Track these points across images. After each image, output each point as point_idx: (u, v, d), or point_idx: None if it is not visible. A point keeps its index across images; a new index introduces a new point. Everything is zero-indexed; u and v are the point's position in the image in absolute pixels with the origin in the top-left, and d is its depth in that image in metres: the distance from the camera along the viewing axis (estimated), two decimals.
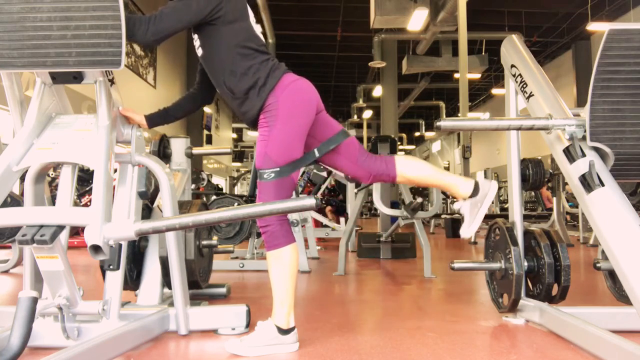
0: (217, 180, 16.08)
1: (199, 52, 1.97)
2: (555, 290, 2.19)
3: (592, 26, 11.52)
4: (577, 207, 7.02)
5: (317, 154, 1.96)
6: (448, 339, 1.99)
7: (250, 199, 4.57)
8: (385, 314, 2.56)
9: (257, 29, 1.99)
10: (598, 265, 2.28)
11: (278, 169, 1.83)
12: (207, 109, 15.68)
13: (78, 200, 6.37)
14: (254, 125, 1.95)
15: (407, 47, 14.27)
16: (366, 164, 2.02)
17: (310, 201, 1.43)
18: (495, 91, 18.01)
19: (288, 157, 1.84)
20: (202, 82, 2.13)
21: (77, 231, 5.41)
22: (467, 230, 2.02)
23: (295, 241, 1.89)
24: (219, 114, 18.51)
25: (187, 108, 2.17)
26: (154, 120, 2.06)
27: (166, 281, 2.27)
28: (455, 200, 2.08)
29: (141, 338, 1.85)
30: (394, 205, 5.35)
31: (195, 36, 1.95)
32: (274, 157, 1.83)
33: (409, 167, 2.03)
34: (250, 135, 23.90)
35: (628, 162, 1.83)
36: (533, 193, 10.14)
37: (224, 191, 11.42)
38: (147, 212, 2.38)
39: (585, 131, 1.85)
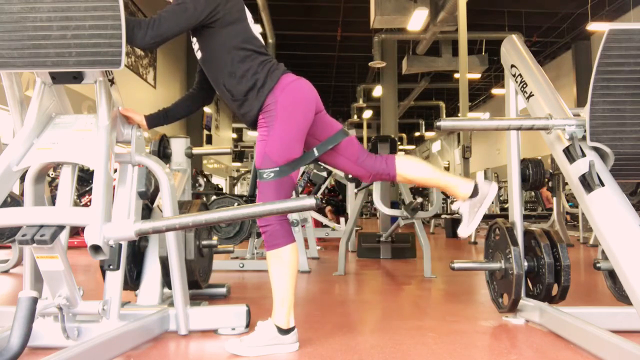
0: (217, 180, 16.08)
1: (198, 55, 1.97)
2: (555, 290, 2.19)
3: (592, 26, 11.52)
4: (577, 207, 7.01)
5: (316, 153, 1.97)
6: (448, 339, 1.99)
7: (250, 199, 4.57)
8: (385, 314, 2.55)
9: (256, 29, 1.99)
10: (598, 265, 2.28)
11: (277, 168, 1.83)
12: (207, 109, 15.67)
13: (78, 200, 6.37)
14: (253, 126, 1.96)
15: (407, 47, 14.27)
16: (366, 163, 2.03)
17: (310, 201, 1.43)
18: (495, 91, 18.01)
19: (287, 157, 1.84)
20: (202, 83, 2.14)
21: (77, 231, 5.41)
22: (466, 230, 2.03)
23: (295, 241, 1.89)
24: (219, 114, 18.51)
25: (187, 108, 2.17)
26: (153, 121, 2.06)
27: (166, 281, 2.27)
28: (454, 200, 2.09)
29: (141, 338, 1.85)
30: (394, 205, 5.35)
31: (194, 39, 1.95)
32: (274, 156, 1.83)
33: (408, 167, 2.03)
34: (250, 135, 23.89)
35: (628, 162, 1.83)
36: (533, 193, 10.14)
37: (224, 191, 11.42)
38: (147, 212, 2.38)
39: (585, 131, 1.85)
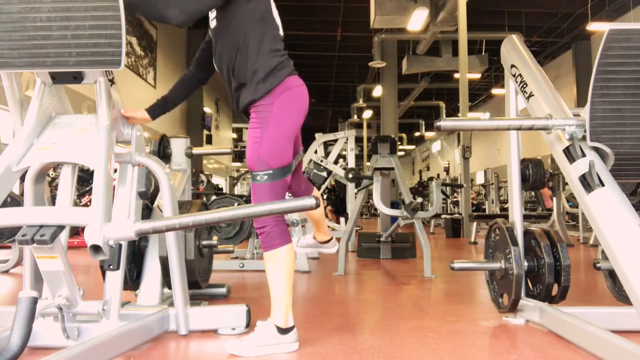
0: (217, 180, 16.07)
1: (213, 24, 1.96)
2: (555, 290, 2.19)
3: (592, 26, 11.51)
4: (577, 207, 7.01)
5: (294, 165, 1.99)
6: (448, 339, 1.99)
7: (250, 199, 4.56)
8: (385, 314, 2.55)
9: (277, 18, 1.99)
10: (598, 265, 2.28)
11: (271, 171, 1.84)
12: (207, 109, 15.66)
13: (78, 200, 6.37)
14: (241, 112, 1.97)
15: (407, 47, 14.26)
16: (298, 179, 2.22)
17: (310, 201, 1.43)
18: (495, 91, 17.99)
19: (280, 160, 1.85)
20: (201, 60, 2.13)
21: (77, 231, 5.41)
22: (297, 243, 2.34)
23: (291, 242, 1.89)
24: (219, 114, 18.50)
25: (185, 91, 2.17)
26: (155, 111, 2.08)
27: (166, 281, 2.27)
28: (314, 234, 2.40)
29: (141, 338, 1.85)
30: (394, 205, 5.35)
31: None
32: (267, 158, 1.84)
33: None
34: None
35: (628, 162, 1.83)
36: (533, 193, 10.14)
37: (224, 191, 11.42)
38: (147, 212, 2.38)
39: (585, 131, 1.85)
